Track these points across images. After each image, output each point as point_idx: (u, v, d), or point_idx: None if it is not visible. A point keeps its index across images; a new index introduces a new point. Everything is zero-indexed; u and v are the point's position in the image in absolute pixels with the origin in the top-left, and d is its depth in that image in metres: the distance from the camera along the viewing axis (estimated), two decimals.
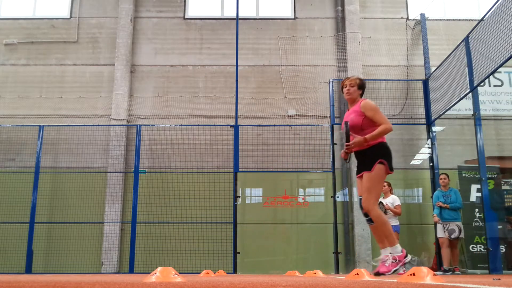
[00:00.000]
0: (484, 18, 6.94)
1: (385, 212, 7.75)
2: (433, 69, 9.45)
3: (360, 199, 4.41)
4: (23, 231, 8.73)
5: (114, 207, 9.34)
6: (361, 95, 4.63)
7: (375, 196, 4.30)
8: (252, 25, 10.61)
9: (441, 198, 7.79)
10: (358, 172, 4.52)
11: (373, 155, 4.32)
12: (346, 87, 4.57)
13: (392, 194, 8.11)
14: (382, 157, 4.31)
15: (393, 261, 4.20)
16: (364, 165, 4.38)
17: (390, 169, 4.34)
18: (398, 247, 4.26)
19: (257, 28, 10.60)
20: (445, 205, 7.60)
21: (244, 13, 10.54)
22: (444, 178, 7.88)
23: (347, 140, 4.36)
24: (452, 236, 7.54)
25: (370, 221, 4.34)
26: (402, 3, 10.71)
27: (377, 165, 4.27)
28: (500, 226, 8.21)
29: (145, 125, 9.61)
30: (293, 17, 10.70)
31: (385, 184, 8.09)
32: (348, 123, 4.36)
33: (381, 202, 7.87)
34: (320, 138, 9.57)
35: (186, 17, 10.73)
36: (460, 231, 7.56)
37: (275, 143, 9.72)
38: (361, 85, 4.62)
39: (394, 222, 7.77)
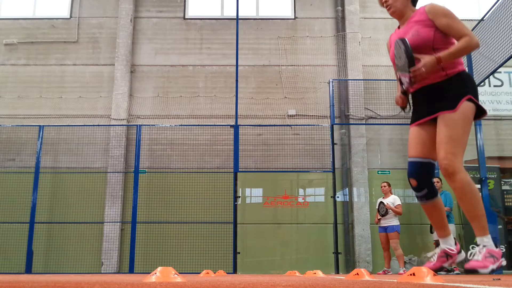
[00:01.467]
0: (484, 18, 6.94)
1: (386, 212, 7.77)
2: None
3: (418, 162, 2.94)
4: (23, 231, 8.73)
5: (114, 207, 9.35)
6: (414, 3, 3.10)
7: (462, 150, 2.80)
8: (252, 25, 10.61)
9: None
10: (422, 115, 2.96)
11: (456, 88, 2.82)
12: (388, 3, 3.05)
13: (392, 194, 8.13)
14: (471, 91, 2.82)
15: (489, 255, 2.77)
16: (441, 103, 2.83)
17: (482, 110, 2.87)
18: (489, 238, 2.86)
19: (257, 28, 10.60)
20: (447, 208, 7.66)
21: (244, 13, 10.54)
22: (437, 182, 7.94)
23: (411, 63, 2.77)
24: None
25: (426, 197, 2.93)
26: None
27: (464, 103, 2.77)
28: (500, 226, 8.20)
29: (145, 125, 9.61)
30: (293, 17, 10.70)
31: (385, 184, 8.11)
32: (407, 40, 2.81)
33: (381, 202, 7.88)
34: (320, 138, 9.57)
35: (186, 17, 10.73)
36: (452, 231, 7.68)
37: (275, 143, 9.72)
38: None
39: (395, 222, 7.80)
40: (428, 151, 2.95)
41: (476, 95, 2.84)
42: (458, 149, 2.76)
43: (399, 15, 3.06)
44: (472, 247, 2.94)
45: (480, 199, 2.86)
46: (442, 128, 2.79)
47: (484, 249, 2.80)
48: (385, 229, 7.86)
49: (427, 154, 2.96)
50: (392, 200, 7.88)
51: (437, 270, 2.96)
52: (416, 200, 10.04)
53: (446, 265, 3.00)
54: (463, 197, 2.80)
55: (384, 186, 8.07)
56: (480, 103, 2.86)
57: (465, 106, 2.78)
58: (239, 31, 9.76)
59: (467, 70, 3.10)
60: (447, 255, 2.97)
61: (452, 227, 7.68)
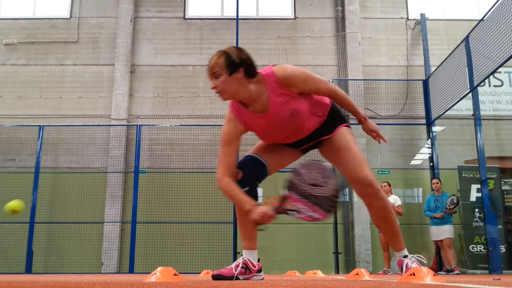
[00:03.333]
0: (484, 18, 6.94)
1: None
2: (433, 69, 9.45)
3: (256, 158, 2.79)
4: (23, 231, 8.73)
5: (114, 207, 9.34)
6: (249, 75, 2.48)
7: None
8: (252, 25, 10.60)
9: (432, 202, 7.89)
10: (297, 145, 2.83)
11: (332, 120, 2.76)
12: (214, 86, 2.49)
13: (392, 194, 8.13)
14: (344, 119, 2.84)
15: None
16: (322, 133, 2.75)
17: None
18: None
19: (257, 28, 10.60)
20: (440, 214, 7.67)
21: (244, 13, 10.53)
22: (437, 183, 7.97)
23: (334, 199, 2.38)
24: (443, 237, 7.64)
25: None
26: (402, 3, 10.71)
27: (342, 128, 2.79)
28: (500, 226, 8.21)
29: (145, 125, 9.61)
30: (293, 17, 10.70)
31: (386, 184, 8.11)
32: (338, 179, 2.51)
33: None
34: None
35: (186, 17, 10.73)
36: (449, 232, 7.65)
37: None
38: (232, 63, 2.43)
39: None
40: (273, 158, 2.82)
41: (347, 121, 2.86)
42: (365, 163, 2.75)
43: (240, 99, 2.52)
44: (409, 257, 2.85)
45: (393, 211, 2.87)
46: (340, 145, 2.73)
47: (413, 258, 2.79)
48: None
49: (268, 158, 2.82)
50: (393, 200, 7.88)
51: (227, 277, 2.72)
52: (416, 200, 10.04)
53: (241, 277, 2.76)
54: (386, 215, 2.75)
55: (385, 186, 8.07)
56: None
57: (346, 130, 2.79)
58: (239, 31, 9.75)
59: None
60: (247, 267, 2.78)
61: (450, 228, 7.68)
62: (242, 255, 2.84)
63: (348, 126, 2.79)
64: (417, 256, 2.85)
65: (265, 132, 2.62)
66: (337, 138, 2.71)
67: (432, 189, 8.05)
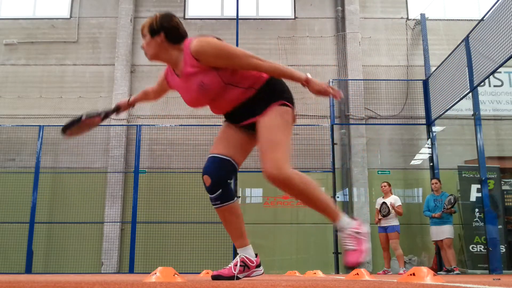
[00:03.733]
0: (484, 18, 6.94)
1: (389, 213, 7.76)
2: (433, 69, 9.45)
3: (218, 158, 2.68)
4: (23, 231, 8.73)
5: (114, 207, 9.34)
6: (171, 40, 2.64)
7: (286, 152, 2.60)
8: (252, 25, 10.60)
9: (431, 202, 7.89)
10: (234, 121, 2.79)
11: (266, 97, 2.62)
12: (141, 46, 2.81)
13: (392, 194, 8.13)
14: (282, 96, 2.68)
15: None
16: (253, 112, 2.61)
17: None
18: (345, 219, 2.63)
19: (257, 28, 10.60)
20: (438, 214, 7.67)
21: (244, 13, 10.53)
22: (436, 183, 7.98)
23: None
24: (443, 237, 7.64)
25: (221, 200, 2.60)
26: (402, 3, 10.71)
27: (275, 108, 2.60)
28: (500, 226, 8.21)
29: (145, 125, 9.61)
30: (293, 17, 10.70)
31: (386, 184, 8.11)
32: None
33: (384, 202, 7.87)
34: (320, 138, 9.56)
35: (186, 17, 10.73)
36: (449, 232, 7.65)
37: None
38: (154, 27, 2.66)
39: (395, 222, 7.79)
40: (233, 150, 2.71)
41: (288, 98, 2.64)
42: (282, 152, 2.53)
43: (163, 61, 2.69)
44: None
45: (315, 187, 2.55)
46: (260, 134, 2.53)
47: (350, 231, 2.60)
48: (385, 229, 7.86)
49: (230, 153, 2.70)
50: (394, 200, 7.88)
51: (227, 277, 2.68)
52: (416, 200, 10.04)
53: (241, 276, 2.72)
54: (305, 198, 2.53)
55: (385, 186, 8.07)
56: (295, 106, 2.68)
57: (277, 110, 2.56)
58: (239, 31, 9.75)
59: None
60: (245, 264, 2.73)
61: (450, 228, 7.68)
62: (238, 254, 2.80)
63: (285, 104, 2.58)
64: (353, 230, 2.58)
65: (183, 96, 2.68)
66: (263, 119, 2.52)
67: (432, 189, 8.06)
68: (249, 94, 2.56)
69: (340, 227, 2.60)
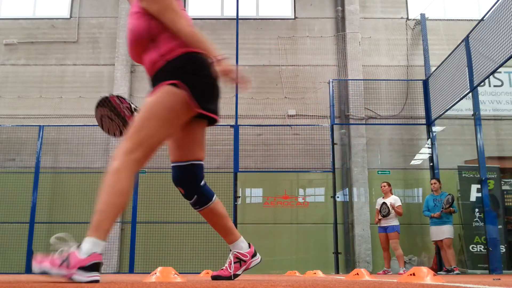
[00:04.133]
0: (484, 18, 6.94)
1: (389, 213, 7.76)
2: (433, 69, 9.45)
3: (178, 166, 2.69)
4: (23, 231, 8.73)
5: None
6: None
7: (139, 137, 2.20)
8: (252, 25, 10.60)
9: (431, 202, 7.90)
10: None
11: (168, 73, 2.32)
12: None
13: (392, 194, 8.13)
14: (181, 76, 2.28)
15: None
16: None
17: (200, 104, 2.31)
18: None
19: (257, 28, 10.60)
20: (437, 214, 7.68)
21: (244, 13, 10.54)
22: (435, 183, 7.98)
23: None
24: (443, 237, 7.65)
25: (200, 204, 2.62)
26: (402, 3, 10.71)
27: (165, 87, 2.26)
28: (500, 226, 8.21)
29: None
30: (293, 17, 10.70)
31: (385, 184, 8.10)
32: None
33: (384, 203, 7.87)
34: (320, 138, 9.57)
35: None
36: (449, 232, 7.65)
37: (275, 143, 9.72)
38: None
39: (395, 222, 7.80)
40: (186, 151, 2.61)
41: (186, 79, 2.27)
42: (133, 135, 2.17)
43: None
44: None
45: (114, 194, 2.13)
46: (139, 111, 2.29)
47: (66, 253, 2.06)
48: (385, 229, 7.86)
49: (186, 156, 2.61)
50: (393, 200, 7.88)
51: (226, 277, 2.70)
52: (416, 200, 10.03)
53: (240, 272, 2.74)
54: (103, 188, 2.14)
55: (384, 186, 8.07)
56: (196, 93, 2.27)
57: (161, 90, 2.24)
58: (239, 31, 9.75)
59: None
60: (240, 260, 2.74)
61: (449, 228, 7.68)
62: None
63: (175, 84, 2.24)
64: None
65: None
66: (146, 99, 2.31)
67: (432, 189, 8.06)
68: (159, 64, 2.34)
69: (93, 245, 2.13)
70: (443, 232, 7.65)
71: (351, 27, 10.30)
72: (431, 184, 8.08)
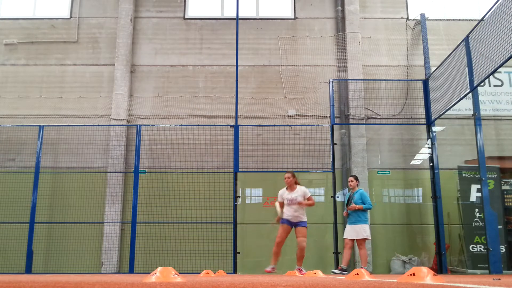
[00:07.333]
0: (484, 18, 6.94)
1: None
2: (433, 69, 9.45)
3: None
4: (23, 231, 8.73)
5: (114, 207, 9.34)
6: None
7: None
8: (252, 25, 10.61)
9: (346, 199, 7.70)
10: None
11: None
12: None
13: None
14: None
15: None
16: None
17: None
18: None
19: (257, 28, 10.60)
20: (345, 212, 7.57)
21: (244, 13, 10.54)
22: (351, 181, 7.63)
23: None
24: (355, 237, 7.39)
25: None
26: (402, 3, 10.71)
27: None
28: (500, 226, 8.20)
29: (145, 125, 9.61)
30: (293, 17, 10.70)
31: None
32: None
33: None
34: (320, 138, 9.57)
35: (186, 17, 10.73)
36: (361, 231, 7.37)
37: (275, 143, 9.72)
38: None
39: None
40: None
41: None
42: None
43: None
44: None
45: None
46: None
47: None
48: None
49: None
50: (301, 192, 7.48)
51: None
52: (416, 200, 10.01)
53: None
54: None
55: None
56: None
57: None
58: (239, 31, 9.75)
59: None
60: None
61: (360, 227, 7.34)
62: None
63: None
64: None
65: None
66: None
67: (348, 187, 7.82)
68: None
69: None
70: (356, 231, 7.42)
71: (351, 27, 10.30)
72: (348, 181, 7.80)
